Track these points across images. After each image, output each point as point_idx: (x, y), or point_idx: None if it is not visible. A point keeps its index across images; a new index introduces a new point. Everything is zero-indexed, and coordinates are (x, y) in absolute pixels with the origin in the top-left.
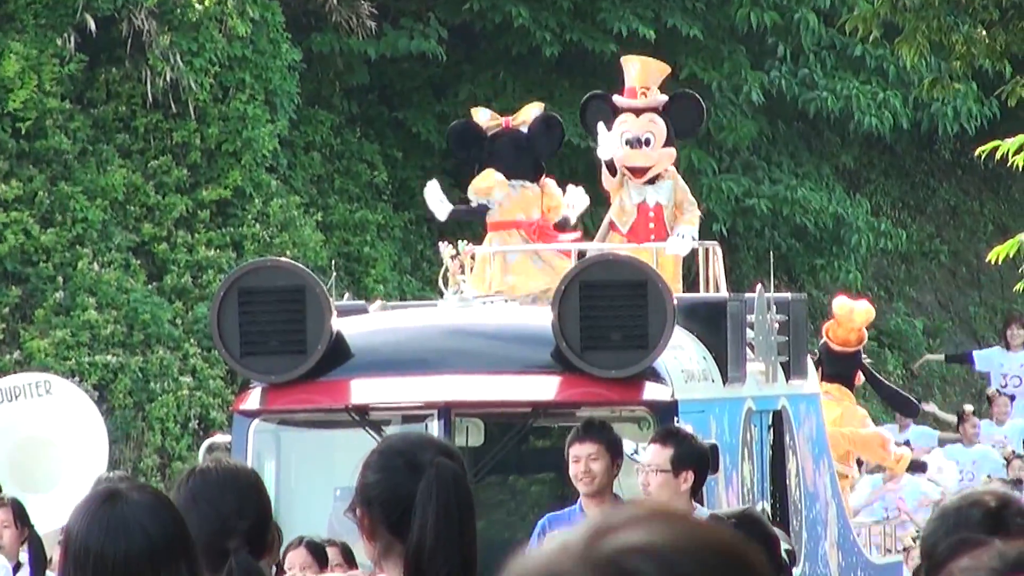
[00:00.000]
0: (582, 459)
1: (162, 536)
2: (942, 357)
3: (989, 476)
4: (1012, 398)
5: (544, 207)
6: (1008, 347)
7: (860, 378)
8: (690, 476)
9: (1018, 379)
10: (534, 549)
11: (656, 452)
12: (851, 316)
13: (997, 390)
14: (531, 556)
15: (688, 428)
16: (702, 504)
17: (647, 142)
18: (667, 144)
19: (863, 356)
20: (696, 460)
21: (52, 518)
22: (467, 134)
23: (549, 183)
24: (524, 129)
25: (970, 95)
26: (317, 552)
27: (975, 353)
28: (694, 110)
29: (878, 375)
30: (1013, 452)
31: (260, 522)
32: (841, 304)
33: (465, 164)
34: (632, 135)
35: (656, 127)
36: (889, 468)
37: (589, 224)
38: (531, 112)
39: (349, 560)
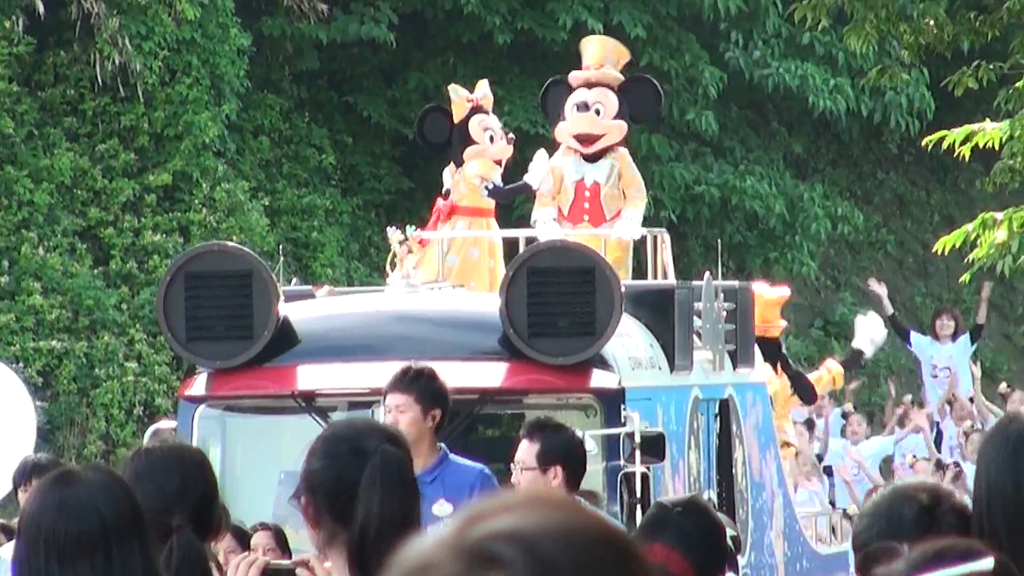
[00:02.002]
0: (391, 410)
1: (115, 515)
2: (890, 311)
3: (915, 456)
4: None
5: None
6: (937, 338)
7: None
8: (559, 471)
9: (948, 370)
10: (414, 541)
11: (524, 448)
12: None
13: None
14: (409, 547)
15: (556, 420)
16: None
17: (597, 111)
18: (618, 118)
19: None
20: (564, 454)
21: None
22: (436, 121)
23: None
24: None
25: (921, 81)
26: (241, 537)
27: (913, 333)
28: (651, 93)
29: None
30: (972, 426)
31: (204, 501)
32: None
33: (435, 152)
34: (581, 101)
35: (607, 99)
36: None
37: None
38: (484, 88)
39: (283, 545)
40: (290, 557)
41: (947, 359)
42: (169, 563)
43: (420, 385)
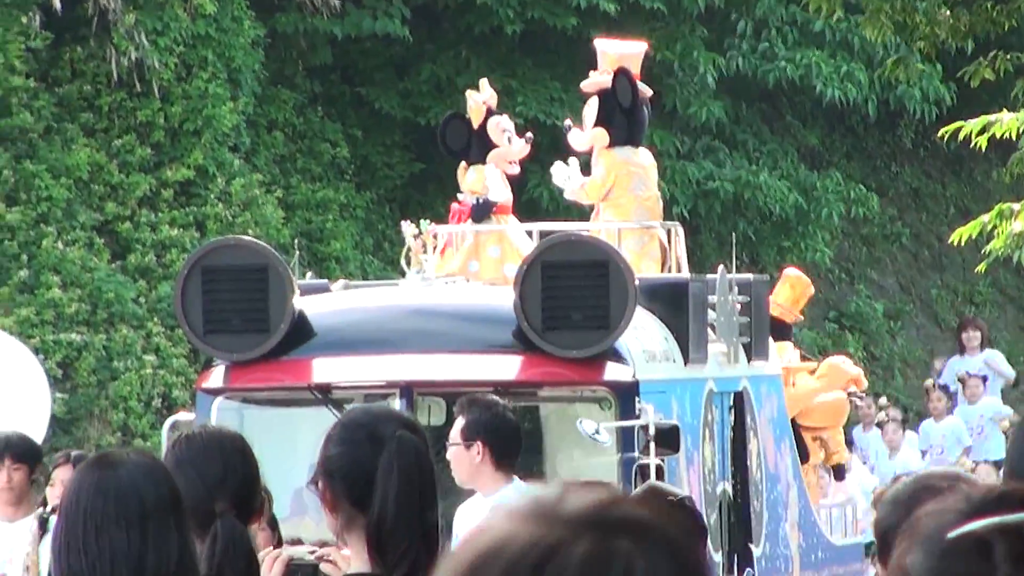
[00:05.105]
0: None
1: (154, 497)
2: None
3: (968, 450)
4: (984, 379)
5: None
6: (964, 351)
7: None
8: (481, 446)
9: (979, 378)
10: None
11: (455, 424)
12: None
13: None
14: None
15: (491, 397)
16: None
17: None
18: (597, 125)
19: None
20: (485, 429)
21: None
22: (456, 128)
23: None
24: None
25: (935, 75)
26: (271, 521)
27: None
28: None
29: None
30: (975, 463)
31: (246, 486)
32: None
33: (457, 159)
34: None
35: (587, 112)
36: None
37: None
38: (487, 88)
39: (272, 524)
40: (281, 541)
41: (980, 367)
42: (213, 549)
43: None
